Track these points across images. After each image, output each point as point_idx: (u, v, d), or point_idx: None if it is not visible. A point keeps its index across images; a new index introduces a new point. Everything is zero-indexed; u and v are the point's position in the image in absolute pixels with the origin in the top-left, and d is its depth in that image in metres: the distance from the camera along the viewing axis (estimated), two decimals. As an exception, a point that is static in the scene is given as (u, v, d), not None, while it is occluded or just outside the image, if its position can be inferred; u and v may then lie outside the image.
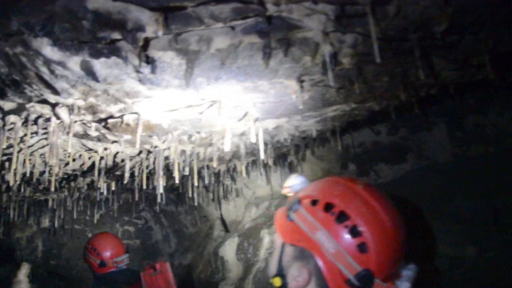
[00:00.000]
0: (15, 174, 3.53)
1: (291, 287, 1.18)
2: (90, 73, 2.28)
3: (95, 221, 6.90)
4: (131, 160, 4.24)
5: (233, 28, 2.02)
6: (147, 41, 2.00)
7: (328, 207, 1.16)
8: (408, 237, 1.20)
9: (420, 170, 5.80)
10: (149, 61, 2.16)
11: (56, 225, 7.04)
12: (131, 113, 2.88)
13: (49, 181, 4.65)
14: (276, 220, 1.34)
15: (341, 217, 1.13)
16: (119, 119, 2.99)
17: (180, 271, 7.57)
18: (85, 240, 7.52)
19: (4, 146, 3.28)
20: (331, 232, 1.12)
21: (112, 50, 2.12)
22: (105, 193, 4.38)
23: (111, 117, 2.94)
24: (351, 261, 1.09)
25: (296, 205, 1.23)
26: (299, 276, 1.16)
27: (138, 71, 2.29)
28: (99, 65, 2.22)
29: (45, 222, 7.18)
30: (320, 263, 1.12)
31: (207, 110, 2.99)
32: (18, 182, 3.62)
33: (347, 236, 1.10)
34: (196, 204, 6.00)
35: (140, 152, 3.94)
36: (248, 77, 2.53)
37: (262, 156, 3.12)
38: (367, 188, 1.20)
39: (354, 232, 1.10)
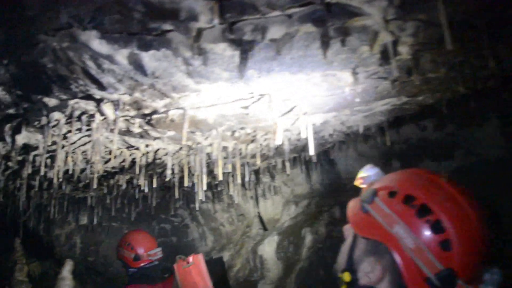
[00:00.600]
0: (58, 171, 3.52)
1: (361, 283, 1.11)
2: (138, 66, 2.21)
3: (132, 219, 6.94)
4: (171, 157, 4.19)
5: (289, 16, 1.90)
6: (199, 31, 1.91)
7: (408, 200, 1.08)
8: (493, 237, 1.10)
9: (469, 167, 5.55)
10: (201, 52, 2.07)
11: (94, 223, 7.12)
12: (177, 108, 2.81)
13: (89, 179, 4.67)
14: (348, 212, 1.28)
15: (423, 210, 1.05)
16: (164, 115, 2.92)
17: (216, 269, 7.52)
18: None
19: (49, 143, 3.28)
20: (410, 226, 1.04)
21: (162, 42, 2.04)
22: (146, 190, 4.35)
23: (156, 112, 2.88)
24: (432, 259, 1.00)
25: (372, 196, 1.17)
26: (372, 272, 1.09)
27: (187, 64, 2.21)
28: (148, 58, 2.15)
29: (84, 220, 7.28)
30: (398, 258, 1.04)
31: (254, 105, 2.89)
32: (60, 180, 3.61)
33: (429, 232, 1.03)
34: (236, 201, 5.93)
35: (180, 148, 3.88)
36: (301, 69, 2.42)
37: (311, 152, 3.00)
38: (451, 182, 1.11)
39: (437, 227, 1.02)
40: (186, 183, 3.89)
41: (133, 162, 4.14)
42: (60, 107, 2.89)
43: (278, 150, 4.51)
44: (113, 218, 7.44)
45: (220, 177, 3.56)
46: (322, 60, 2.32)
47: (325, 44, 2.09)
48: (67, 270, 3.54)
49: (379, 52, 2.35)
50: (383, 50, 2.31)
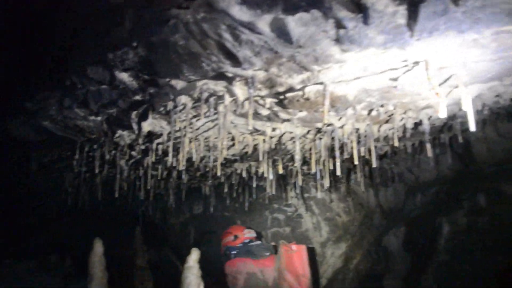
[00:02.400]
0: (181, 159, 3.45)
1: None
2: (281, 33, 1.96)
3: (246, 209, 6.88)
4: (294, 142, 3.95)
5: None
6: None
7: None
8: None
9: None
10: (360, 9, 1.76)
11: (209, 212, 7.19)
12: (315, 83, 2.53)
13: (209, 167, 4.62)
14: None
15: None
16: (299, 92, 2.67)
17: (333, 261, 7.25)
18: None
19: (174, 130, 3.21)
20: None
21: (312, 2, 1.77)
22: (270, 177, 4.17)
23: (291, 90, 2.63)
24: None
25: None
26: None
27: (339, 27, 1.91)
28: (293, 22, 1.89)
29: (198, 209, 7.39)
30: None
31: (405, 76, 2.52)
32: (183, 168, 3.54)
33: None
34: (363, 189, 5.58)
35: (308, 132, 3.61)
36: (473, 26, 2.00)
37: (472, 128, 2.55)
38: None
39: None
40: (313, 169, 3.63)
41: (255, 149, 3.96)
42: (188, 90, 2.76)
43: (412, 132, 4.06)
44: (226, 208, 7.47)
45: (356, 161, 3.24)
46: (505, 11, 1.89)
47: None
48: (193, 259, 3.51)
49: None
50: None
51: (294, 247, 4.09)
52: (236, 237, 4.84)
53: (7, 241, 7.20)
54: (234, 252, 4.72)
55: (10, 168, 5.44)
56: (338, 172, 3.29)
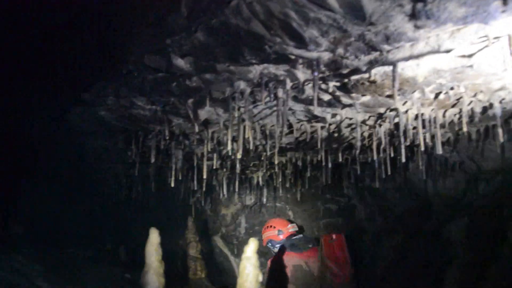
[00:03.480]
0: (239, 147, 3.39)
1: None
2: (353, 9, 1.85)
3: (298, 199, 6.79)
4: (352, 129, 3.81)
5: None
6: None
7: None
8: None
9: None
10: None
11: (261, 203, 7.16)
12: (383, 64, 2.39)
13: (261, 156, 4.56)
14: None
15: None
16: (365, 75, 2.54)
17: (388, 253, 7.05)
18: (286, 218, 7.54)
19: (230, 117, 3.15)
20: None
21: (389, -28, 1.65)
22: (329, 165, 4.06)
23: (356, 72, 2.51)
24: None
25: None
26: None
27: (416, 0, 1.77)
28: (367, -3, 1.77)
29: (249, 200, 7.36)
30: None
31: (482, 53, 2.33)
32: (239, 157, 3.49)
33: None
34: (424, 178, 5.37)
35: (368, 118, 3.46)
36: None
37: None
38: None
39: None
40: (375, 156, 3.49)
41: (311, 137, 3.85)
42: (247, 75, 2.69)
43: (480, 116, 3.82)
44: (277, 198, 7.40)
45: (422, 147, 3.08)
46: None
47: None
48: (252, 249, 3.47)
49: None
50: None
51: (334, 236, 4.25)
52: (280, 231, 4.88)
53: (69, 230, 7.48)
54: (277, 245, 4.80)
55: (68, 158, 5.62)
56: (403, 159, 3.14)
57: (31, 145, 5.59)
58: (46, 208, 7.55)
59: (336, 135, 3.77)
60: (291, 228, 4.95)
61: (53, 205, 7.74)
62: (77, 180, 6.85)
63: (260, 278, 3.35)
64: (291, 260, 4.29)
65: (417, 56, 2.31)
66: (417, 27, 2.02)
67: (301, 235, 4.88)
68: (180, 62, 2.79)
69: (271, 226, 5.03)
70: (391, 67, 2.39)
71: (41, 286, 3.25)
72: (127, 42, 3.02)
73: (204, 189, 5.52)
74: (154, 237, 3.63)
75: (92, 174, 6.60)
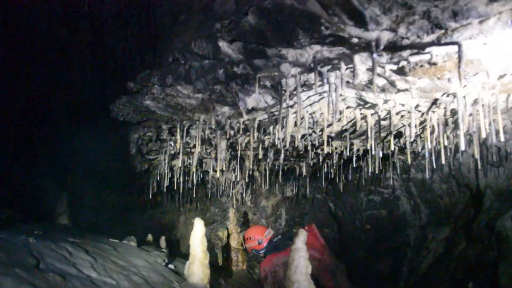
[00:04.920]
0: (287, 136, 3.31)
1: None
2: (422, -17, 1.73)
3: (341, 190, 6.67)
4: (402, 116, 3.66)
5: None
6: None
7: None
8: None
9: None
10: None
11: (300, 194, 7.08)
12: (446, 44, 2.25)
13: (307, 145, 4.45)
14: None
15: None
16: (426, 56, 2.40)
17: (435, 246, 6.84)
18: (326, 210, 7.42)
19: (279, 104, 3.08)
20: None
21: None
22: (380, 154, 3.93)
23: (416, 53, 2.38)
24: None
25: None
26: None
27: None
28: (438, -32, 1.65)
29: (289, 191, 7.28)
30: None
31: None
32: (286, 148, 3.40)
33: None
34: (480, 167, 5.15)
35: (422, 104, 3.31)
36: None
37: None
38: None
39: None
40: (429, 145, 3.34)
41: (360, 125, 3.72)
42: (299, 59, 2.60)
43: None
44: (318, 190, 7.30)
45: (484, 134, 2.92)
46: None
47: None
48: (301, 240, 3.40)
49: None
50: None
51: (306, 227, 4.63)
52: (259, 241, 5.22)
53: (113, 220, 7.62)
54: (262, 252, 5.22)
55: (111, 150, 5.69)
56: (463, 147, 2.98)
57: (76, 143, 5.78)
58: (88, 201, 7.72)
59: (385, 122, 3.63)
60: (268, 234, 5.30)
61: (94, 198, 7.91)
62: (117, 173, 6.93)
63: (309, 270, 3.28)
64: (279, 259, 4.64)
65: (485, 34, 2.16)
66: (491, 1, 1.88)
67: (279, 236, 5.36)
68: (228, 48, 2.73)
69: (249, 238, 5.33)
70: (454, 48, 2.25)
71: (90, 275, 3.27)
72: (174, 30, 2.99)
73: (245, 180, 5.48)
74: (198, 228, 3.60)
75: (132, 166, 6.67)
